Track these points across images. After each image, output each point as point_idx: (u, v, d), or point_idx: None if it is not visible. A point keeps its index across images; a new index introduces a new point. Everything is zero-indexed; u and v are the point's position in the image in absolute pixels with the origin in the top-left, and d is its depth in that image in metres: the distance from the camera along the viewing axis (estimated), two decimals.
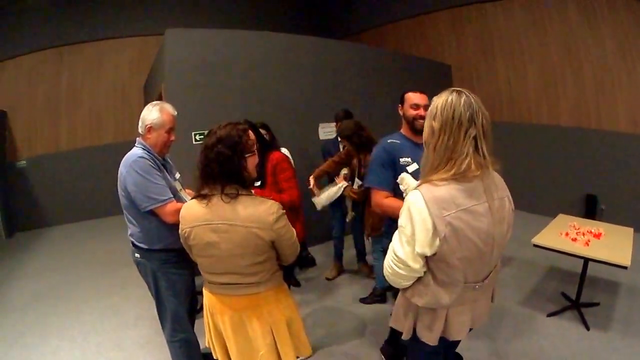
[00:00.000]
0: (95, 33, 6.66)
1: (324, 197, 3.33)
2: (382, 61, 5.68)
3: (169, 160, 2.17)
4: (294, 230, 1.61)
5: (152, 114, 1.98)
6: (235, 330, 1.59)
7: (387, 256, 1.34)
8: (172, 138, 2.06)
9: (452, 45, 7.22)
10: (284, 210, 1.54)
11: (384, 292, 3.40)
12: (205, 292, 1.69)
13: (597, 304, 3.27)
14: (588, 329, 2.94)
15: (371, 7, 8.57)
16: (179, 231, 1.60)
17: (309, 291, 3.69)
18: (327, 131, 4.84)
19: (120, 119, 6.96)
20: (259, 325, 1.58)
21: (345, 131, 3.13)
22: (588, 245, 2.93)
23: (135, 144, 2.01)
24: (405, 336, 1.44)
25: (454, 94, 1.22)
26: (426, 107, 1.80)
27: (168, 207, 1.89)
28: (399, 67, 5.95)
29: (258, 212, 1.46)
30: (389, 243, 1.35)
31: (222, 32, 4.14)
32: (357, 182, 3.21)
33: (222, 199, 1.46)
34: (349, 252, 4.22)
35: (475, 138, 1.19)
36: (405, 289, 1.39)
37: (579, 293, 3.19)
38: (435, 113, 1.22)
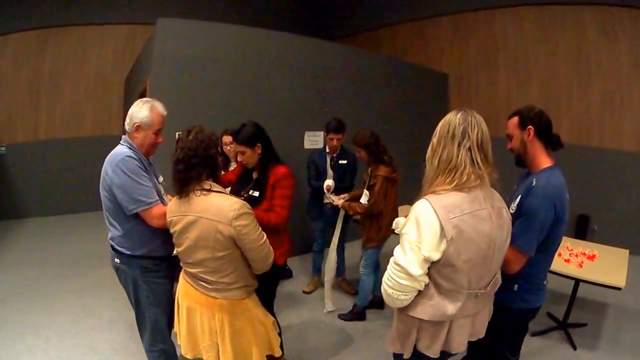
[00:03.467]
0: (82, 17, 6.35)
1: None
2: (375, 66, 5.45)
3: (151, 162, 2.05)
4: (262, 234, 1.66)
5: (142, 111, 1.87)
6: (188, 317, 1.73)
7: (386, 273, 1.35)
8: (160, 140, 1.96)
9: (452, 53, 6.99)
10: (251, 211, 1.61)
11: (363, 310, 3.33)
12: (181, 272, 1.81)
13: (584, 325, 3.28)
14: (575, 348, 2.97)
15: (369, 9, 8.33)
16: (166, 219, 1.71)
17: (286, 304, 3.56)
18: (313, 140, 4.62)
19: (100, 111, 6.64)
20: (207, 323, 1.69)
21: (364, 139, 3.02)
22: (581, 267, 2.92)
23: (121, 142, 1.89)
24: (406, 355, 1.43)
25: (454, 112, 1.33)
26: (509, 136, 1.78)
27: (155, 210, 1.80)
28: (393, 74, 5.72)
29: (222, 206, 1.55)
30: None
31: (218, 26, 3.92)
32: (366, 194, 3.09)
33: (195, 193, 1.58)
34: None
35: (470, 149, 1.26)
36: (403, 308, 1.37)
37: (567, 314, 3.20)
38: (435, 130, 1.34)
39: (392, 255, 1.34)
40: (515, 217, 1.58)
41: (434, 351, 1.37)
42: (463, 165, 1.25)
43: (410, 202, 1.36)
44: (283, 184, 2.17)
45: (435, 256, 1.24)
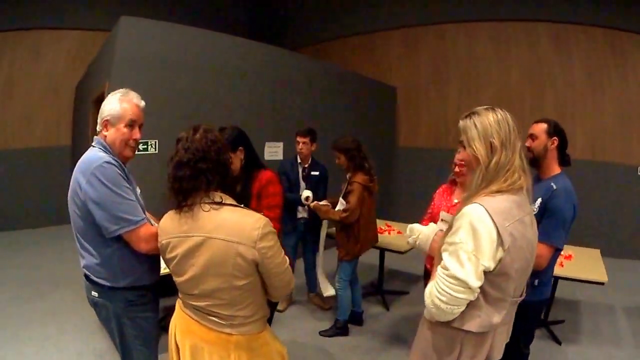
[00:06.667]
0: (35, 20, 5.90)
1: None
2: (329, 77, 5.42)
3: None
4: (285, 257, 1.37)
5: (110, 103, 1.54)
6: (193, 358, 1.37)
7: (434, 286, 1.21)
8: (137, 136, 1.57)
9: (402, 66, 7.04)
10: (275, 230, 1.32)
11: (346, 324, 3.17)
12: (177, 305, 1.46)
13: (562, 321, 3.41)
14: (560, 343, 3.08)
15: (318, 22, 8.17)
16: (158, 243, 1.39)
17: None
18: (273, 151, 4.46)
19: (49, 121, 6.20)
20: None
21: (345, 144, 2.93)
22: (563, 266, 3.02)
23: (93, 143, 1.55)
24: None
25: (497, 110, 1.26)
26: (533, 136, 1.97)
27: (143, 231, 1.45)
28: (343, 85, 5.69)
29: (242, 224, 1.25)
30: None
31: (183, 29, 3.71)
32: (342, 203, 2.96)
33: (201, 208, 1.27)
34: (298, 280, 3.94)
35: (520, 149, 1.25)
36: (443, 322, 1.27)
37: (547, 311, 3.32)
38: (491, 131, 1.22)
39: (442, 268, 1.22)
40: (538, 217, 1.66)
41: None
42: (515, 165, 1.22)
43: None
44: (269, 191, 2.02)
45: (492, 266, 1.16)
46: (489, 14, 6.12)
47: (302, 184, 3.43)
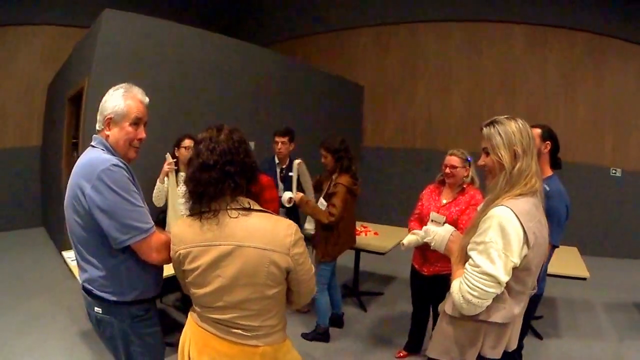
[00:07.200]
0: (9, 15, 5.63)
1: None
2: (295, 74, 5.44)
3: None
4: (311, 264, 1.35)
5: (113, 99, 1.41)
6: None
7: (464, 282, 1.31)
8: (142, 136, 1.46)
9: (370, 65, 6.96)
10: (302, 235, 1.28)
11: (327, 331, 3.10)
12: (190, 319, 1.34)
13: (541, 317, 3.49)
14: (541, 338, 3.16)
15: (283, 18, 7.97)
16: (171, 252, 1.30)
17: None
18: None
19: (21, 120, 5.95)
20: None
21: (334, 144, 2.87)
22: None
23: (93, 143, 1.42)
24: None
25: (518, 120, 1.38)
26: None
27: (154, 240, 1.35)
28: (310, 83, 5.68)
29: (275, 231, 1.19)
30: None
31: (166, 24, 3.65)
32: (323, 203, 2.91)
33: (228, 214, 1.18)
34: None
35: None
36: (466, 315, 1.37)
37: None
38: (513, 140, 1.34)
39: (472, 266, 1.31)
40: None
41: (498, 352, 1.40)
42: (533, 170, 1.35)
43: None
44: (265, 197, 1.97)
45: (518, 262, 1.28)
46: (462, 14, 6.14)
47: (281, 185, 3.38)
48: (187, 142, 3.00)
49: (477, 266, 1.28)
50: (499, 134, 1.36)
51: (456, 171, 2.43)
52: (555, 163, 2.14)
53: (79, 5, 6.12)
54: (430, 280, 2.53)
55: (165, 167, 2.91)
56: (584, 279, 2.88)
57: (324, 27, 7.41)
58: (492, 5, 5.90)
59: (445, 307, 1.44)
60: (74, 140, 4.38)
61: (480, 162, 1.46)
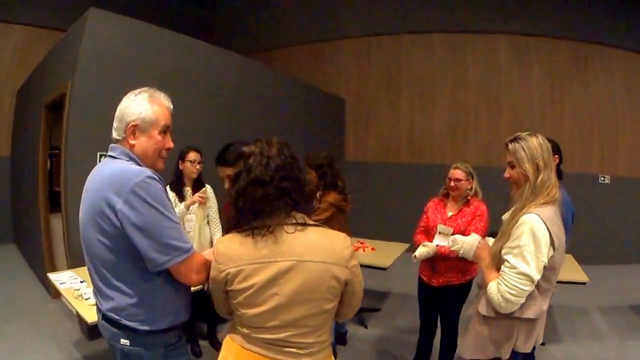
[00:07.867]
0: None
1: None
2: (276, 85, 5.34)
3: None
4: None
5: (138, 104, 1.27)
6: None
7: (502, 283, 1.45)
8: (170, 145, 1.35)
9: (351, 77, 6.87)
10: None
11: (334, 348, 3.00)
12: (230, 343, 1.24)
13: None
14: (543, 344, 3.09)
15: (264, 29, 7.74)
16: (212, 272, 1.20)
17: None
18: None
19: None
20: None
21: (317, 160, 2.78)
22: None
23: (113, 153, 1.28)
24: (505, 357, 1.56)
25: (538, 135, 1.56)
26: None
27: (195, 260, 1.23)
28: (290, 95, 5.57)
29: (333, 245, 1.19)
30: None
31: (152, 29, 3.52)
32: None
33: (285, 230, 1.15)
34: None
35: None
36: (500, 313, 1.50)
37: None
38: (536, 154, 1.51)
39: (509, 267, 1.45)
40: None
41: (529, 346, 1.54)
42: (553, 181, 1.52)
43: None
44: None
45: (547, 262, 1.44)
46: (446, 25, 6.15)
47: None
48: (192, 155, 2.91)
49: (514, 267, 1.43)
50: (523, 149, 1.52)
51: (460, 184, 2.51)
52: (559, 173, 2.26)
53: (57, 7, 5.84)
54: (439, 291, 2.54)
55: (196, 198, 2.82)
56: (584, 283, 2.92)
57: (304, 38, 7.30)
58: (476, 16, 5.95)
59: (479, 308, 1.56)
60: (54, 151, 4.12)
61: (506, 174, 1.63)
